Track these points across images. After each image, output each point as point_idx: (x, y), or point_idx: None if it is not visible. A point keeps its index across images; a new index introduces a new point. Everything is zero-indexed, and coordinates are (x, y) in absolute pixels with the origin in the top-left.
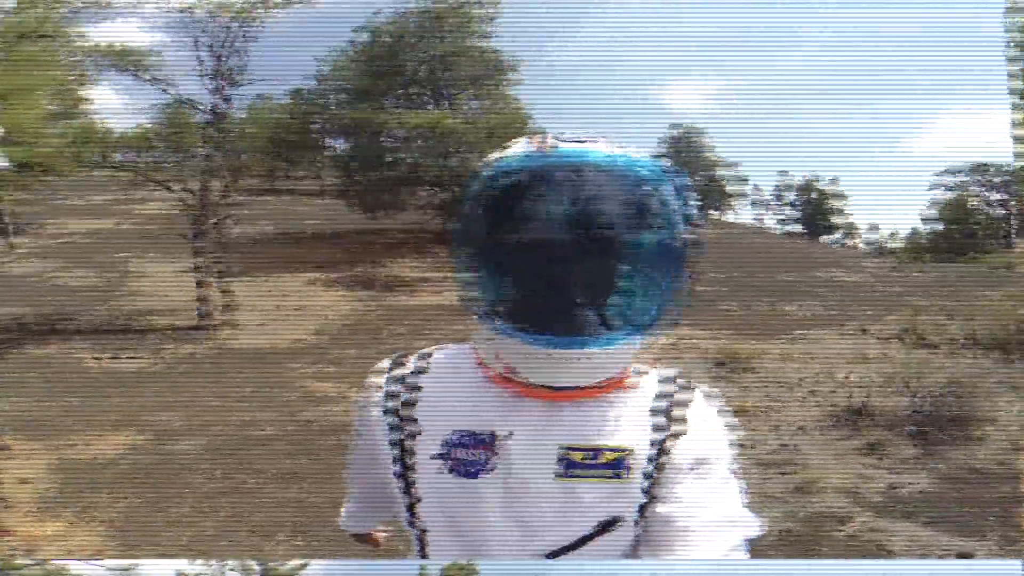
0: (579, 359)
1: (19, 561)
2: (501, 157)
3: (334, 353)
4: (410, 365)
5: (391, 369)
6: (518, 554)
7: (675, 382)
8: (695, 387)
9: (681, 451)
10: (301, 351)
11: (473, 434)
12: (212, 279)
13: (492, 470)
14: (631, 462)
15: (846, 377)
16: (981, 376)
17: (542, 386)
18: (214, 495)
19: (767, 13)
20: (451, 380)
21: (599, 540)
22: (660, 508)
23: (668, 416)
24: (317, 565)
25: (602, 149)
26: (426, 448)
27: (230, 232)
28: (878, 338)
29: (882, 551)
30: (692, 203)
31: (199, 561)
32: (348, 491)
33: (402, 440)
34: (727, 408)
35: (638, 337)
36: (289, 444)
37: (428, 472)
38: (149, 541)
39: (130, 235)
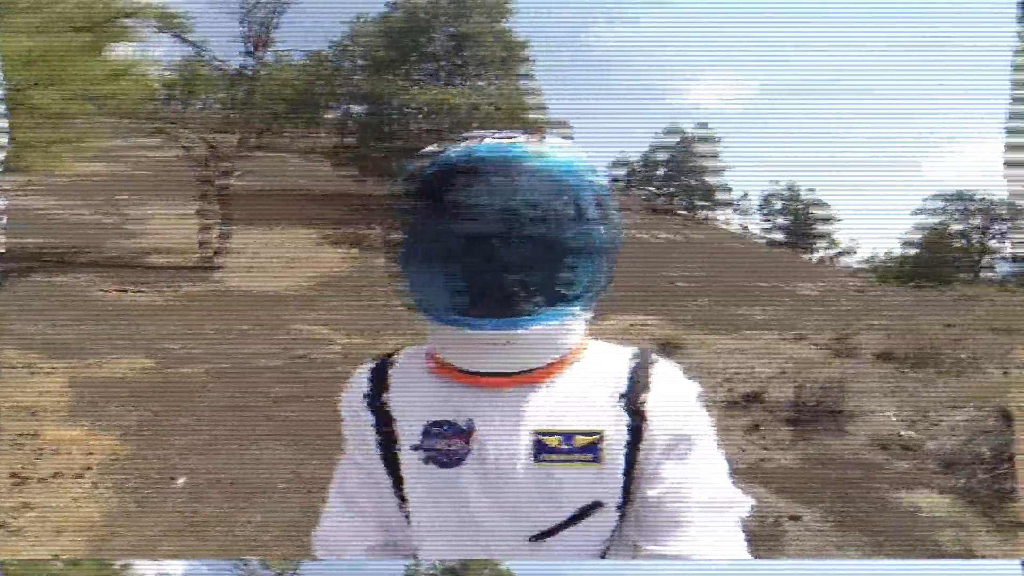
0: (510, 342)
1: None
2: (438, 152)
3: (324, 301)
4: (382, 363)
5: (369, 368)
6: (502, 538)
7: (639, 359)
8: (659, 363)
9: (657, 432)
10: (295, 297)
11: (451, 424)
12: (215, 225)
13: (468, 458)
14: (605, 446)
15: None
16: (870, 381)
17: (493, 374)
18: (216, 410)
19: (787, 19)
20: (414, 378)
21: (581, 524)
22: (649, 492)
23: (638, 397)
24: (310, 566)
25: (521, 142)
26: (405, 439)
27: (234, 183)
28: (814, 344)
29: None
30: (606, 195)
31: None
32: (329, 506)
33: (384, 429)
34: (693, 381)
35: (563, 315)
36: (283, 374)
37: (410, 463)
38: (159, 444)
39: (131, 180)
